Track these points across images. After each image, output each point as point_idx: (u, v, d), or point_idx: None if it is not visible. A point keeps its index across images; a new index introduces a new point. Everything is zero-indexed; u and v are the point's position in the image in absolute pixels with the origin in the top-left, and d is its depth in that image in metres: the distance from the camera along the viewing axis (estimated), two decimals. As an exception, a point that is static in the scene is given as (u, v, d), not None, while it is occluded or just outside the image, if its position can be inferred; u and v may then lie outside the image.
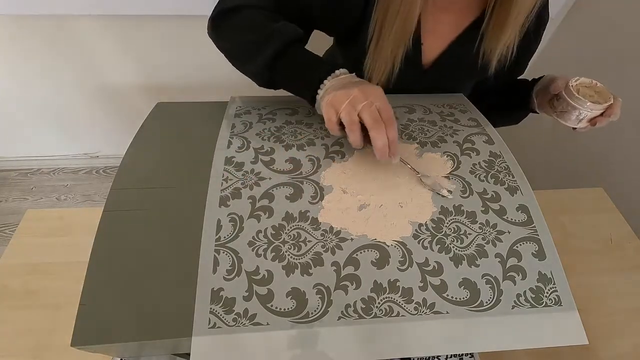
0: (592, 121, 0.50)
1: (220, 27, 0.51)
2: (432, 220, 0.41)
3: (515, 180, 0.45)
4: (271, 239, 0.38)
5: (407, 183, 0.44)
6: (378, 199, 0.42)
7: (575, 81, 0.50)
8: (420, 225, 0.40)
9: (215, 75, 1.21)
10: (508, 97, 0.65)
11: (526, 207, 0.43)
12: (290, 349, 0.33)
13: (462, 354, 0.49)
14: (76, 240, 0.60)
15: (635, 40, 0.92)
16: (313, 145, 0.48)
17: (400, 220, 0.41)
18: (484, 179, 0.45)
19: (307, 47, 0.49)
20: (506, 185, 0.45)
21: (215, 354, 0.32)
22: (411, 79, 0.56)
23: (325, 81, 0.44)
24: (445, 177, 0.45)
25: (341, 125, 0.42)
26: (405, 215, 0.41)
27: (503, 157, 0.48)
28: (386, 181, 0.44)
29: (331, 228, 0.39)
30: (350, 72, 0.45)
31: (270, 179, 0.44)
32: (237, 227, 0.39)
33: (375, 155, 0.41)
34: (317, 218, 0.40)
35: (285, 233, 0.39)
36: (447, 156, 0.48)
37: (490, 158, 0.48)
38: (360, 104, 0.40)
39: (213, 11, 0.51)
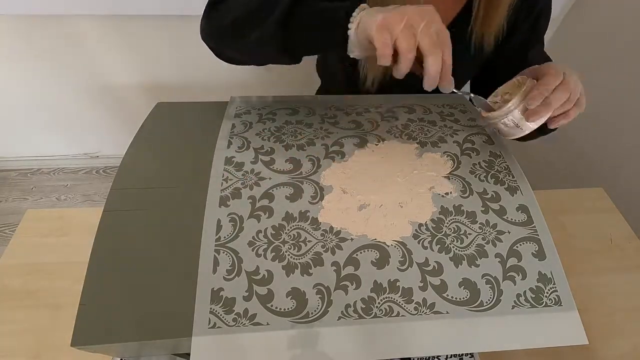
0: (528, 114, 0.43)
1: (217, 13, 0.46)
2: (432, 220, 0.41)
3: (515, 180, 0.45)
4: (271, 239, 0.38)
5: (407, 183, 0.44)
6: (378, 199, 0.42)
7: (491, 99, 0.47)
8: (420, 225, 0.40)
9: (215, 75, 1.21)
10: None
11: (526, 207, 0.43)
12: (290, 349, 0.33)
13: (462, 354, 0.49)
14: (76, 240, 0.59)
15: (636, 40, 0.92)
16: (313, 145, 0.48)
17: (400, 220, 0.41)
18: (484, 179, 0.45)
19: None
20: (506, 185, 0.45)
21: (215, 354, 0.32)
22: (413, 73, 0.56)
23: (354, 14, 0.38)
24: (445, 177, 0.45)
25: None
26: (405, 215, 0.41)
27: (503, 157, 0.48)
28: (386, 181, 0.44)
29: (331, 228, 0.39)
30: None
31: (270, 179, 0.44)
32: (237, 227, 0.39)
33: (424, 84, 0.37)
34: (317, 218, 0.40)
35: (285, 233, 0.39)
36: (447, 156, 0.48)
37: (490, 158, 0.48)
38: (419, 26, 0.35)
39: (204, 10, 0.47)
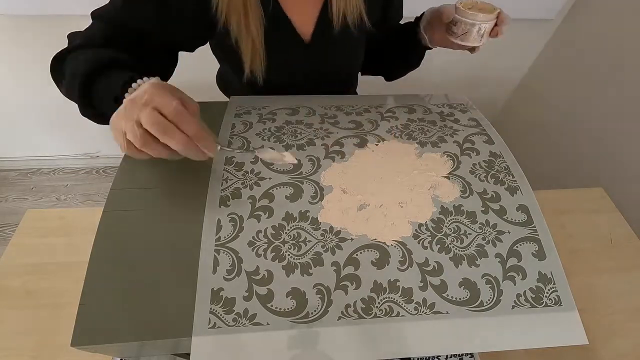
0: (493, 32, 0.51)
1: (53, 75, 0.49)
2: (432, 220, 0.41)
3: (515, 180, 0.45)
4: (271, 239, 0.38)
5: (407, 183, 0.44)
6: (378, 199, 0.42)
7: (460, 3, 0.51)
8: (420, 225, 0.40)
9: (215, 75, 1.21)
10: (398, 43, 0.65)
11: (526, 207, 0.43)
12: (290, 349, 0.33)
13: (462, 354, 0.49)
14: (76, 240, 0.59)
15: (635, 41, 0.92)
16: (313, 145, 0.48)
17: (400, 220, 0.41)
18: (484, 179, 0.45)
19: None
20: (506, 185, 0.45)
21: (215, 354, 0.32)
22: (298, 57, 0.58)
23: (114, 114, 0.36)
24: (445, 177, 0.45)
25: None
26: (405, 215, 0.41)
27: (503, 157, 0.48)
28: (386, 181, 0.44)
29: (331, 228, 0.39)
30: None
31: (270, 179, 0.44)
32: (237, 227, 0.39)
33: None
34: (317, 218, 0.40)
35: (285, 233, 0.39)
36: (447, 156, 0.48)
37: (490, 158, 0.48)
38: (136, 114, 0.32)
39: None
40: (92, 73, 0.42)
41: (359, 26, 0.55)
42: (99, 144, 1.50)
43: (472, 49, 0.54)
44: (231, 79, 0.66)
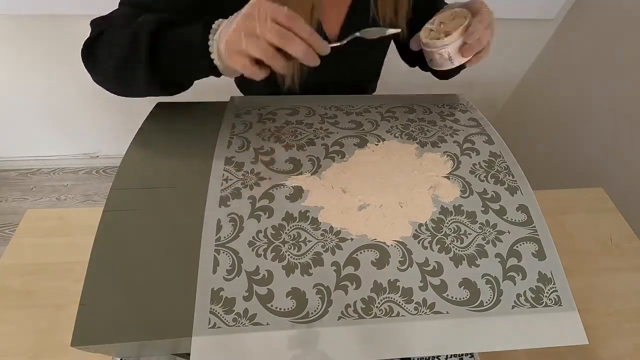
0: (464, 52, 0.46)
1: (91, 61, 0.45)
2: (432, 220, 0.41)
3: (515, 180, 0.45)
4: (271, 239, 0.38)
5: (407, 183, 0.44)
6: (378, 199, 0.42)
7: (429, 26, 0.48)
8: (420, 225, 0.40)
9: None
10: None
11: (526, 207, 0.43)
12: (290, 349, 0.33)
13: (462, 354, 0.49)
14: (76, 240, 0.59)
15: (635, 41, 0.92)
16: (313, 145, 0.48)
17: (400, 220, 0.41)
18: (484, 179, 0.45)
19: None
20: (506, 185, 0.45)
21: (215, 354, 0.32)
22: (325, 57, 0.55)
23: (209, 43, 0.37)
24: (445, 177, 0.45)
25: (258, 62, 0.36)
26: (405, 215, 0.41)
27: (503, 157, 0.48)
28: (386, 181, 0.44)
29: (331, 228, 0.39)
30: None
31: (270, 179, 0.44)
32: (237, 227, 0.39)
33: (305, 62, 0.36)
34: (317, 218, 0.40)
35: (285, 233, 0.39)
36: (447, 156, 0.48)
37: (490, 158, 0.48)
38: (257, 29, 0.33)
39: (82, 51, 0.46)
40: (156, 32, 0.40)
41: (389, 24, 0.54)
42: (99, 144, 1.50)
43: (457, 68, 0.51)
44: (255, 82, 0.66)
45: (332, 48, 0.38)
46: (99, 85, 0.47)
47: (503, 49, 1.21)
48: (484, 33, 0.43)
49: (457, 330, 0.35)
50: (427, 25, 0.48)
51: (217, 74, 0.41)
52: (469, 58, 0.46)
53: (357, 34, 0.43)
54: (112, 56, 0.42)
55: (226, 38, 0.35)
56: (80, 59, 0.46)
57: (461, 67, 0.50)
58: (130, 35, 0.40)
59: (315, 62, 0.36)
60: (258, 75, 0.36)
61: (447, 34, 0.45)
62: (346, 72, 0.61)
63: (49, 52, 1.10)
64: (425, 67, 0.67)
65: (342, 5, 0.55)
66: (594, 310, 0.57)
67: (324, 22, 0.55)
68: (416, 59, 0.68)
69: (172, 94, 0.47)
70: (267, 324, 0.34)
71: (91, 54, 0.45)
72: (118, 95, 0.48)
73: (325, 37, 0.55)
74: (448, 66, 0.48)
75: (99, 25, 0.46)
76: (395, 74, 0.97)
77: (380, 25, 0.55)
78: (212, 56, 0.38)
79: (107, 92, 0.49)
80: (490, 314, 0.35)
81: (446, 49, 0.46)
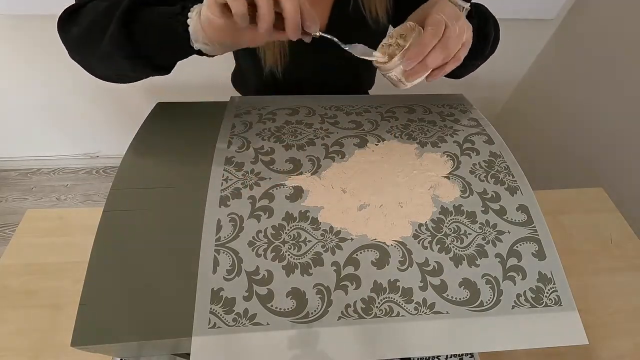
0: (407, 78, 0.42)
1: (65, 27, 0.44)
2: (432, 220, 0.41)
3: (515, 180, 0.45)
4: (271, 239, 0.38)
5: (407, 183, 0.44)
6: (378, 199, 0.42)
7: (385, 41, 0.44)
8: (420, 225, 0.40)
9: (215, 75, 1.21)
10: None
11: (526, 207, 0.43)
12: (290, 349, 0.33)
13: (462, 354, 0.49)
14: (76, 240, 0.59)
15: (635, 41, 0.92)
16: (313, 145, 0.48)
17: (400, 220, 0.41)
18: (484, 179, 0.45)
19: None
20: (506, 185, 0.45)
21: (215, 354, 0.32)
22: (312, 49, 0.48)
23: (193, 7, 0.37)
24: (445, 177, 0.45)
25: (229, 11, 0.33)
26: (405, 215, 0.41)
27: (503, 157, 0.48)
28: (386, 181, 0.44)
29: (331, 228, 0.39)
30: None
31: (270, 179, 0.44)
32: (237, 227, 0.39)
33: (287, 30, 0.34)
34: (317, 218, 0.40)
35: (285, 233, 0.39)
36: (447, 156, 0.48)
37: (490, 158, 0.48)
38: None
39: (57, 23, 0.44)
40: (133, 7, 0.40)
41: (374, 19, 0.54)
42: (99, 144, 1.50)
43: (464, 67, 0.44)
44: (248, 77, 0.65)
45: (313, 39, 0.38)
46: (72, 58, 0.46)
47: (503, 49, 1.21)
48: (432, 56, 0.38)
49: (457, 330, 0.35)
50: (384, 41, 0.44)
51: (184, 43, 0.39)
52: (419, 80, 0.41)
53: (344, 47, 0.41)
54: (87, 19, 0.42)
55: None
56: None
57: (471, 65, 0.46)
58: (110, 4, 0.40)
59: (295, 33, 0.34)
60: (243, 15, 0.33)
61: (391, 57, 0.41)
62: (326, 62, 0.61)
63: (49, 52, 1.10)
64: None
65: (326, 2, 0.55)
66: (594, 310, 0.57)
67: None
68: None
69: (143, 73, 0.46)
70: (267, 324, 0.34)
71: (64, 19, 0.44)
72: (88, 70, 0.47)
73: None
74: (403, 87, 0.43)
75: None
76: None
77: (365, 18, 0.55)
78: (189, 15, 0.37)
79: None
80: (490, 314, 0.35)
81: (391, 73, 0.41)
